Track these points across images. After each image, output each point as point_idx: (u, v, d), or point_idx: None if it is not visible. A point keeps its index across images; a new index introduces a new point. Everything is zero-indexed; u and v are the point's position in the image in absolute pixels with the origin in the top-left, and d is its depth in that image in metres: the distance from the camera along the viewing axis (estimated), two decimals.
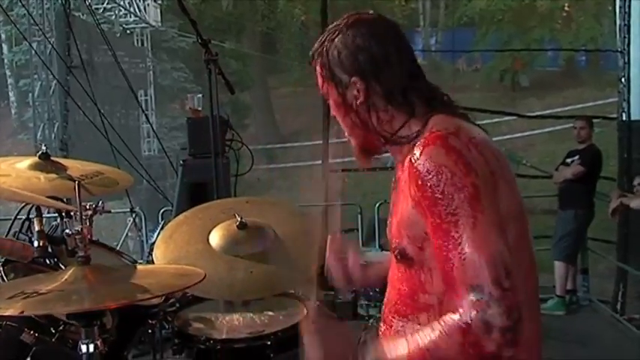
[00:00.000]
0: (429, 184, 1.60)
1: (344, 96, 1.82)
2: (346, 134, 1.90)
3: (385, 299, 1.92)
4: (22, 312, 1.38)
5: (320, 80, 1.88)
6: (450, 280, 1.61)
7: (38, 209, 2.53)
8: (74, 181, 2.25)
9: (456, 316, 1.57)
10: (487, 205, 1.59)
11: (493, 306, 1.53)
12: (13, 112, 23.68)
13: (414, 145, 1.70)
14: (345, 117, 1.85)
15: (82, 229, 1.52)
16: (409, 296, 1.77)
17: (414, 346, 1.63)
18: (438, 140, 1.64)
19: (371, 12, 1.89)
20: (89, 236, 1.76)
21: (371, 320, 6.18)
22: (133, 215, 8.14)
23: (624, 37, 7.68)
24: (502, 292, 1.54)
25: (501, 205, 1.64)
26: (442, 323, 1.60)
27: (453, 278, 1.60)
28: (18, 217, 2.75)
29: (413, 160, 1.64)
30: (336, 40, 1.82)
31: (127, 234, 10.02)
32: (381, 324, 1.93)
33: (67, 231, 2.10)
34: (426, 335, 1.61)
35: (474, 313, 1.54)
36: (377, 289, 6.28)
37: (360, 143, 1.87)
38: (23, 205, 2.61)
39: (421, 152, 1.64)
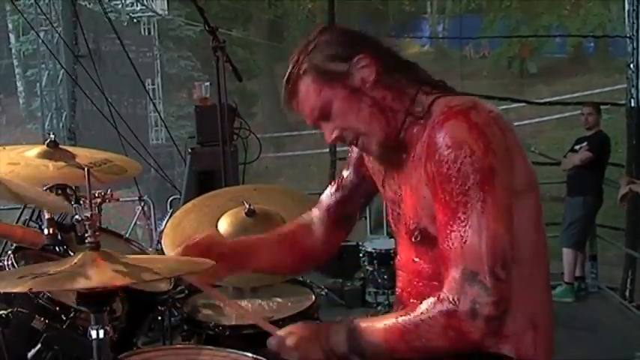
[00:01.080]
0: (445, 160, 1.58)
1: (351, 85, 1.72)
2: (363, 134, 1.75)
3: (400, 285, 1.90)
4: (31, 289, 1.40)
5: (313, 97, 1.74)
6: (445, 259, 1.60)
7: None
8: (83, 168, 2.26)
9: (442, 298, 1.57)
10: (500, 189, 1.58)
11: (483, 294, 1.53)
12: (21, 101, 23.72)
13: (427, 122, 1.67)
14: (360, 108, 1.73)
15: (91, 215, 1.52)
16: (433, 276, 1.73)
17: (391, 324, 1.62)
18: (460, 115, 1.62)
19: None
20: (98, 223, 1.77)
21: (379, 307, 6.19)
22: (142, 204, 8.17)
23: (633, 22, 7.65)
24: (496, 281, 1.54)
25: (517, 180, 1.64)
26: (427, 303, 1.59)
27: (448, 258, 1.59)
28: (28, 205, 2.77)
29: (433, 135, 1.61)
30: (312, 49, 1.74)
31: (135, 222, 10.02)
32: (399, 308, 1.92)
33: (77, 217, 2.12)
34: (408, 314, 1.61)
35: (462, 297, 1.54)
36: (385, 277, 6.30)
37: (381, 136, 1.75)
38: None
39: (442, 127, 1.60)
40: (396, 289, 1.93)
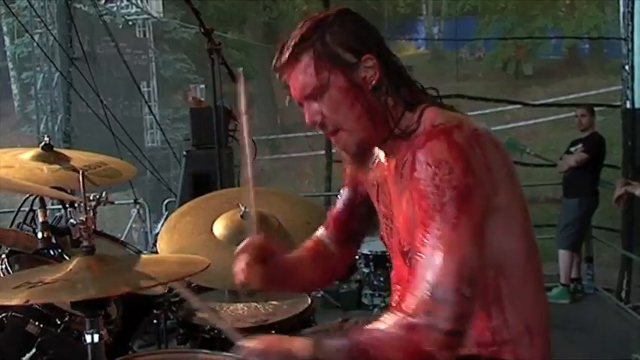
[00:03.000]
0: (424, 177, 1.58)
1: (352, 79, 1.69)
2: (346, 130, 1.73)
3: (396, 295, 1.89)
4: (28, 301, 1.37)
5: (312, 73, 1.70)
6: (413, 271, 1.59)
7: (42, 200, 2.53)
8: (77, 171, 2.24)
9: (405, 313, 1.55)
10: (475, 209, 1.57)
11: (447, 309, 1.52)
12: (16, 104, 23.67)
13: (413, 139, 1.67)
14: (354, 104, 1.70)
15: (86, 218, 1.51)
16: None
17: (355, 338, 1.59)
18: (442, 135, 1.61)
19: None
20: (93, 227, 1.76)
21: (375, 310, 6.18)
22: (137, 207, 8.16)
23: (628, 24, 7.65)
24: (460, 298, 1.53)
25: (502, 197, 1.63)
26: (387, 317, 1.58)
27: (416, 271, 1.58)
28: (21, 208, 2.76)
29: (415, 154, 1.60)
30: (329, 26, 1.71)
31: (131, 225, 10.03)
32: None
33: (72, 221, 2.11)
34: (374, 328, 1.59)
35: (424, 311, 1.53)
36: (382, 279, 6.30)
37: (362, 139, 1.74)
38: (27, 196, 2.62)
39: (424, 146, 1.60)
40: (392, 303, 1.92)
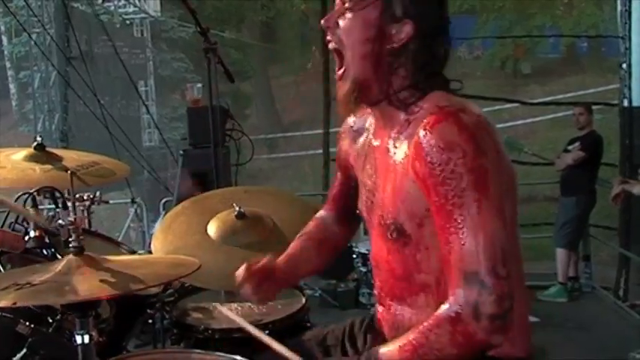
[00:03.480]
0: (438, 162, 1.57)
1: (384, 26, 1.70)
2: (349, 65, 1.75)
3: (377, 280, 1.89)
4: (15, 303, 1.36)
5: None
6: (446, 264, 1.59)
7: (34, 199, 2.52)
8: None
9: (445, 306, 1.56)
10: (493, 189, 1.57)
11: (484, 293, 1.52)
12: (13, 103, 23.65)
13: (415, 116, 1.68)
14: (366, 42, 1.72)
15: (75, 218, 1.50)
16: (404, 278, 1.74)
17: (404, 343, 1.60)
18: (450, 117, 1.60)
19: None
20: (84, 226, 1.75)
21: (372, 309, 6.18)
22: (135, 206, 8.15)
23: (625, 22, 7.64)
24: (497, 280, 1.53)
25: (503, 183, 1.63)
26: (432, 317, 1.58)
27: (449, 262, 1.58)
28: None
29: (422, 135, 1.60)
30: None
31: (128, 225, 10.02)
32: (378, 306, 1.91)
33: (60, 222, 2.09)
34: (418, 329, 1.59)
35: (464, 300, 1.53)
36: None
37: (360, 80, 1.75)
38: (19, 194, 2.61)
39: (432, 127, 1.59)
40: (375, 288, 1.91)
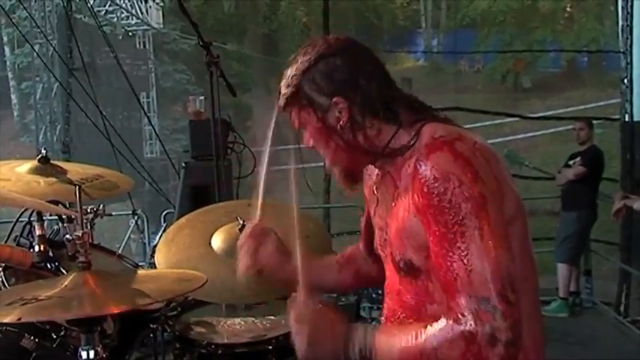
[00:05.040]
0: (435, 192, 1.57)
1: (325, 120, 1.77)
2: (328, 163, 1.85)
3: (385, 310, 1.89)
4: (20, 319, 1.35)
5: (294, 115, 1.84)
6: (450, 289, 1.59)
7: (39, 213, 2.51)
8: (74, 185, 2.24)
9: (461, 324, 1.55)
10: (493, 215, 1.57)
11: (499, 319, 1.52)
12: (15, 114, 23.69)
13: (412, 153, 1.68)
14: (328, 142, 1.80)
15: (82, 234, 1.50)
16: (415, 308, 1.74)
17: (408, 343, 1.60)
18: (444, 146, 1.61)
19: (326, 37, 1.85)
20: (90, 241, 1.75)
21: (373, 323, 6.18)
22: (136, 218, 8.13)
23: (627, 37, 7.67)
24: (507, 306, 1.53)
25: (506, 209, 1.63)
26: (444, 328, 1.57)
27: (454, 288, 1.57)
28: (19, 220, 2.74)
29: (418, 167, 1.61)
30: (306, 68, 1.77)
31: (129, 236, 10.00)
32: None
33: (68, 236, 2.09)
34: (425, 335, 1.59)
35: (480, 323, 1.53)
36: (380, 292, 6.28)
37: (346, 167, 1.84)
38: (25, 208, 2.60)
39: (427, 158, 1.60)
40: (382, 317, 1.91)
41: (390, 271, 1.85)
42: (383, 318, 1.91)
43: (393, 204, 1.78)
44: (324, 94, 1.76)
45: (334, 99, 1.75)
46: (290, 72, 1.82)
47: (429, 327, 1.60)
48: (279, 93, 1.87)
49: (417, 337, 1.61)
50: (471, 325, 1.54)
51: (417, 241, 1.67)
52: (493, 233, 1.56)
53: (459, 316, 1.56)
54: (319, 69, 1.77)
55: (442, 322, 1.59)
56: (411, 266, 1.71)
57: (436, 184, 1.57)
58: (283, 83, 1.84)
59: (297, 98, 1.80)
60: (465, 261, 1.55)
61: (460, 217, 1.56)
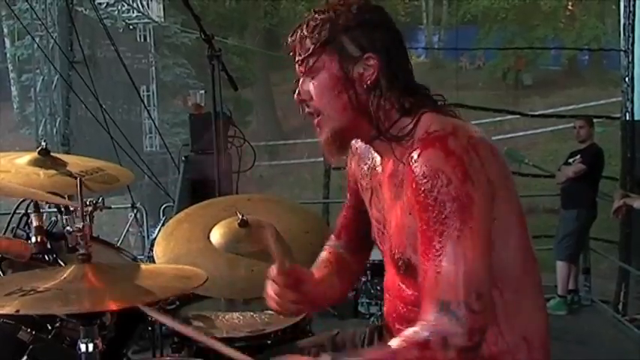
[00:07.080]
0: (422, 189, 1.55)
1: (348, 71, 1.68)
2: (325, 118, 1.73)
3: (386, 308, 1.88)
4: (18, 311, 1.34)
5: (311, 59, 1.70)
6: (421, 289, 1.57)
7: (36, 205, 2.50)
8: (74, 177, 2.24)
9: (417, 330, 1.53)
10: (478, 218, 1.54)
11: (456, 325, 1.50)
12: (15, 106, 23.65)
13: (408, 145, 1.65)
14: (340, 94, 1.69)
15: (83, 226, 1.49)
16: (417, 302, 1.69)
17: (373, 355, 1.59)
18: (437, 142, 1.58)
19: None
20: (90, 233, 1.74)
21: (372, 318, 6.16)
22: (135, 211, 8.14)
23: (628, 36, 7.65)
24: (469, 313, 1.50)
25: (501, 207, 1.60)
26: (404, 335, 1.56)
27: (423, 288, 1.56)
28: (17, 212, 2.73)
29: (410, 162, 1.58)
30: (344, 14, 1.69)
31: (128, 229, 10.01)
32: (386, 334, 1.89)
33: (68, 228, 2.08)
34: (387, 348, 1.57)
35: (434, 329, 1.51)
36: (378, 287, 6.27)
37: (340, 129, 1.72)
38: (22, 199, 2.60)
39: (419, 154, 1.57)
40: (384, 313, 1.90)
41: (389, 267, 1.83)
42: (385, 313, 1.90)
43: (392, 197, 1.74)
44: (359, 45, 1.68)
45: (368, 54, 1.67)
46: (322, 16, 1.71)
47: (398, 337, 1.57)
48: (303, 26, 1.74)
49: (379, 352, 1.60)
50: (424, 332, 1.52)
51: (414, 241, 1.63)
52: (474, 237, 1.53)
53: (419, 323, 1.54)
54: (361, 20, 1.69)
55: (404, 332, 1.57)
56: (409, 265, 1.69)
57: (424, 181, 1.55)
58: (311, 24, 1.72)
59: (327, 42, 1.69)
60: (437, 262, 1.53)
61: (443, 216, 1.53)
